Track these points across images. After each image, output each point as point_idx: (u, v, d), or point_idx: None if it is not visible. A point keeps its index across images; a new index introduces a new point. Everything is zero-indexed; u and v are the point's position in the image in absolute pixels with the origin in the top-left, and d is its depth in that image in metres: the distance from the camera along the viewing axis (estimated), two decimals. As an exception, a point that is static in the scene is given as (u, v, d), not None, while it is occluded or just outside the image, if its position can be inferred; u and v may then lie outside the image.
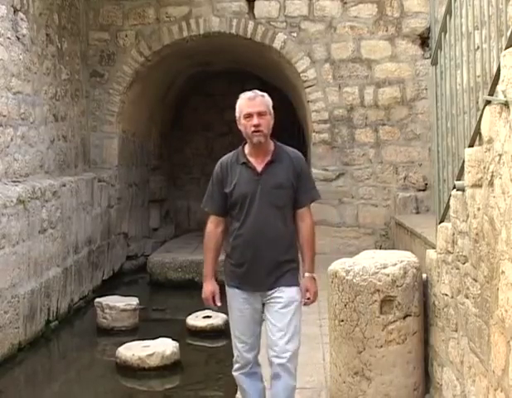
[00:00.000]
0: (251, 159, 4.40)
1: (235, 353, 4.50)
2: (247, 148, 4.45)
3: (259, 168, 4.37)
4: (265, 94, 4.44)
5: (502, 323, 3.06)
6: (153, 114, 14.32)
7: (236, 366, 4.51)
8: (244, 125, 4.37)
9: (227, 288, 4.47)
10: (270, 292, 4.34)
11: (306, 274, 4.41)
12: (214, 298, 4.48)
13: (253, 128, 4.30)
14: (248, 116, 4.33)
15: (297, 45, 11.53)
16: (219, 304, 4.50)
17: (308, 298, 4.41)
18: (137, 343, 7.44)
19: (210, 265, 4.50)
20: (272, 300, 4.34)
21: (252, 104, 4.34)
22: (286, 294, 4.31)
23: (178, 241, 14.22)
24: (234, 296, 4.43)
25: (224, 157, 4.55)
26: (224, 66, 14.50)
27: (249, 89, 4.51)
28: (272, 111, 4.42)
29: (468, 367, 3.83)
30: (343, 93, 11.49)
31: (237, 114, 4.42)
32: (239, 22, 11.60)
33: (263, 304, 4.39)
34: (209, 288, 4.48)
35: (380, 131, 11.46)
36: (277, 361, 4.27)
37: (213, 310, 4.82)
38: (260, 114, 4.32)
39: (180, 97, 15.75)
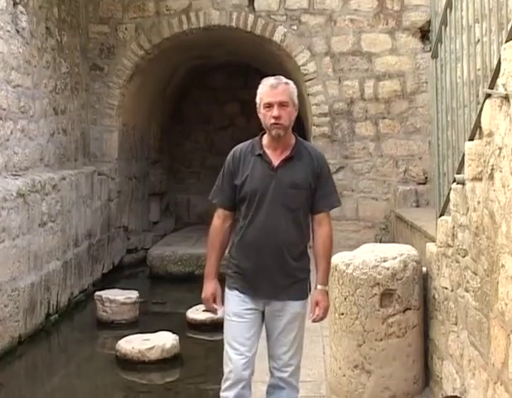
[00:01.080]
0: (268, 151, 4.00)
1: (227, 369, 3.98)
2: (265, 139, 4.05)
3: (276, 163, 3.97)
4: (290, 82, 4.04)
5: (502, 317, 3.06)
6: (153, 107, 14.31)
7: (226, 384, 3.97)
8: (264, 115, 3.97)
9: (226, 290, 4.08)
10: (275, 302, 3.97)
11: (319, 287, 4.01)
12: (214, 300, 4.09)
13: (272, 120, 3.91)
14: (269, 106, 3.93)
15: (297, 38, 11.51)
16: (219, 309, 4.11)
17: (318, 313, 3.99)
18: (137, 336, 7.45)
19: (213, 264, 4.10)
20: (276, 313, 3.98)
21: (273, 93, 3.93)
22: (292, 309, 3.97)
23: (178, 235, 14.22)
24: (234, 298, 4.02)
25: (239, 146, 4.14)
26: (225, 59, 14.48)
27: (271, 76, 4.09)
28: (296, 101, 4.04)
29: (468, 361, 3.84)
30: (343, 86, 11.47)
31: (257, 101, 4.02)
32: (239, 15, 11.57)
33: (263, 311, 4.01)
34: (210, 288, 4.09)
35: (380, 124, 11.45)
36: (279, 374, 4.04)
37: (212, 313, 4.27)
38: (282, 105, 3.92)
39: (180, 90, 15.73)
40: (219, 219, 4.11)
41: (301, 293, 4.01)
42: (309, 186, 3.96)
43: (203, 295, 4.11)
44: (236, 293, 4.02)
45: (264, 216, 3.91)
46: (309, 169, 3.98)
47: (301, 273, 4.00)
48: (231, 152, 4.11)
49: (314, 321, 4.02)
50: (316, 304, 3.99)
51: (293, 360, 4.03)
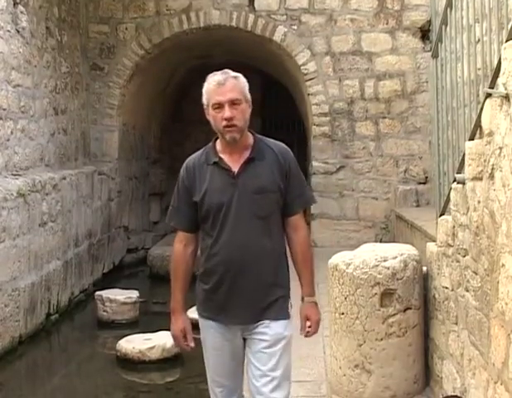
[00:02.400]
0: (224, 157, 3.48)
1: None
2: (219, 144, 3.53)
3: (235, 168, 3.45)
4: (239, 75, 3.50)
5: (502, 316, 3.06)
6: (153, 106, 14.31)
7: None
8: (214, 117, 3.44)
9: (200, 320, 3.63)
10: (253, 326, 3.48)
11: (306, 299, 3.58)
12: (185, 337, 3.61)
13: (224, 123, 3.38)
14: (218, 106, 3.40)
15: (298, 37, 11.51)
16: (192, 345, 3.61)
17: (309, 329, 3.58)
18: (137, 336, 7.45)
19: (178, 297, 3.60)
20: (255, 337, 3.48)
21: (222, 91, 3.40)
22: (272, 330, 3.45)
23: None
24: (209, 330, 3.56)
25: (191, 158, 3.62)
26: (225, 59, 14.45)
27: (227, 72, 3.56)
28: (248, 96, 3.50)
29: (468, 360, 3.84)
30: (343, 86, 11.47)
31: (204, 102, 3.48)
32: (240, 15, 11.57)
33: (244, 339, 3.54)
34: (178, 325, 3.60)
35: (381, 124, 11.45)
36: None
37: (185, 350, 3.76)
38: (233, 103, 3.39)
39: (180, 90, 15.73)
40: (180, 243, 3.60)
41: (282, 312, 3.51)
42: (278, 187, 3.47)
43: (171, 333, 3.66)
44: (209, 323, 3.55)
45: (231, 231, 3.42)
46: (275, 168, 3.48)
47: (280, 289, 3.52)
48: (183, 166, 3.62)
49: (306, 336, 3.62)
50: (307, 319, 3.57)
51: (277, 393, 3.42)
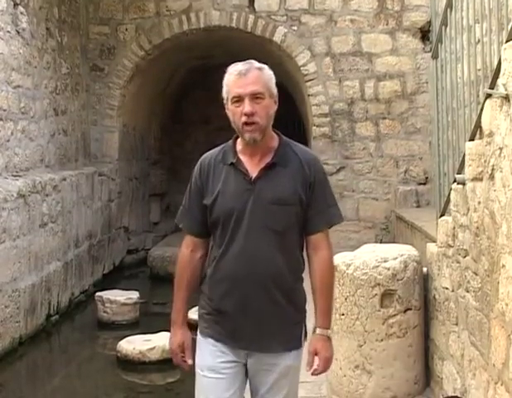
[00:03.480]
0: (243, 159, 3.11)
1: None
2: (239, 143, 3.15)
3: (253, 173, 3.07)
4: (264, 67, 3.10)
5: (502, 317, 3.06)
6: (153, 107, 14.31)
7: None
8: (233, 112, 3.05)
9: (199, 335, 3.21)
10: (258, 354, 3.10)
11: (318, 331, 3.13)
12: (183, 352, 3.21)
13: (243, 119, 2.99)
14: (238, 100, 3.02)
15: (298, 38, 11.51)
16: (190, 362, 3.21)
17: (317, 366, 3.13)
18: (137, 337, 7.45)
19: (180, 307, 3.23)
20: (262, 366, 3.11)
21: (243, 83, 3.01)
22: (283, 361, 3.09)
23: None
24: (209, 348, 3.14)
25: (208, 154, 3.25)
26: (225, 60, 14.40)
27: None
28: (274, 91, 3.10)
29: (468, 361, 3.83)
30: (343, 86, 11.47)
31: (223, 95, 3.11)
32: (240, 16, 11.57)
33: (246, 364, 3.13)
34: (177, 338, 3.22)
35: (381, 125, 11.44)
36: None
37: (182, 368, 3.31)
38: (255, 97, 3.00)
39: (180, 90, 15.74)
40: (187, 248, 3.23)
41: (295, 340, 3.14)
42: (299, 200, 3.06)
43: (169, 346, 3.28)
44: (211, 341, 3.13)
45: (242, 243, 3.04)
46: (298, 178, 3.08)
47: (295, 314, 3.12)
48: (198, 163, 3.26)
49: (313, 374, 3.17)
50: (315, 354, 3.12)
51: None
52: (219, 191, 3.09)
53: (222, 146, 3.23)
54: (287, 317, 3.09)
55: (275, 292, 3.05)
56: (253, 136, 3.03)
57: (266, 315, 3.05)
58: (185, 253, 3.23)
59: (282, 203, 3.05)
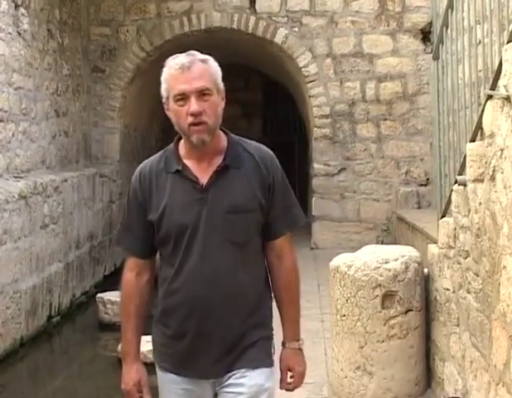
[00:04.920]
0: (190, 164, 2.69)
1: None
2: (182, 147, 2.73)
3: (204, 179, 2.66)
4: (208, 58, 2.69)
5: (503, 318, 3.05)
6: (154, 108, 14.28)
7: None
8: (176, 113, 2.64)
9: (158, 372, 2.85)
10: (226, 377, 2.71)
11: (289, 345, 2.84)
12: (140, 391, 2.80)
13: (190, 120, 2.59)
14: (182, 98, 2.61)
15: (299, 40, 11.52)
16: None
17: (291, 380, 2.86)
18: (138, 338, 7.44)
19: (131, 337, 2.80)
20: (229, 389, 2.71)
21: (186, 78, 2.60)
22: (251, 381, 2.69)
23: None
24: (169, 386, 2.79)
25: (146, 163, 2.81)
26: (226, 61, 14.48)
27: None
28: (221, 86, 2.71)
29: (470, 362, 3.83)
30: (344, 88, 11.48)
31: (163, 94, 2.73)
32: (241, 17, 11.58)
33: (216, 394, 2.75)
34: (131, 375, 2.78)
35: (382, 126, 11.45)
36: None
37: None
38: (202, 94, 2.60)
39: (181, 92, 15.74)
40: (131, 272, 2.82)
41: (263, 357, 2.75)
42: (259, 205, 2.68)
43: (123, 386, 2.80)
44: (170, 377, 2.78)
45: (198, 260, 2.65)
46: (256, 180, 2.70)
47: (261, 329, 2.76)
48: (136, 173, 2.83)
49: (287, 390, 2.89)
50: (288, 369, 2.84)
51: None
52: (165, 204, 2.68)
53: (162, 151, 2.80)
54: (251, 333, 2.72)
55: (239, 311, 2.68)
56: (201, 137, 2.61)
57: (229, 338, 2.68)
58: (129, 278, 2.82)
59: (241, 210, 2.66)
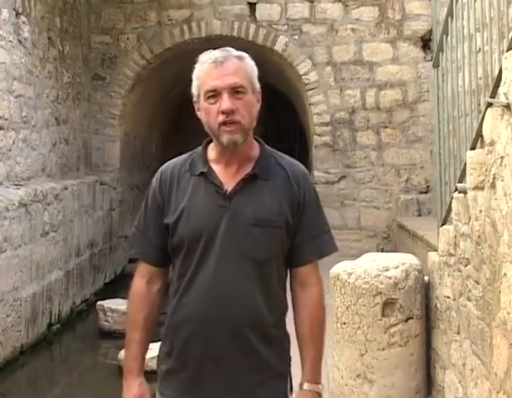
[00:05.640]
0: (216, 169, 2.50)
1: None
2: (211, 150, 2.55)
3: (229, 186, 2.46)
4: (245, 55, 2.54)
5: (504, 326, 3.05)
6: (155, 116, 14.33)
7: None
8: (207, 111, 2.45)
9: None
10: None
11: (306, 386, 2.53)
12: None
13: (221, 118, 2.40)
14: (213, 95, 2.42)
15: (299, 47, 11.54)
16: None
17: None
18: (139, 346, 7.43)
19: (136, 352, 2.59)
20: None
21: (219, 73, 2.42)
22: None
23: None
24: None
25: (170, 163, 2.61)
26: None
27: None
28: (257, 86, 2.52)
29: (470, 370, 3.83)
30: (345, 95, 11.48)
31: (194, 91, 2.52)
32: (241, 25, 11.60)
33: None
34: (133, 391, 2.55)
35: (382, 133, 11.46)
36: None
37: None
38: (235, 91, 2.42)
39: (181, 99, 15.74)
40: (142, 279, 2.62)
41: (279, 395, 2.52)
42: (285, 222, 2.46)
43: None
44: None
45: (212, 274, 2.42)
46: (284, 195, 2.48)
47: (279, 364, 2.51)
48: (157, 174, 2.61)
49: None
50: None
51: None
52: (183, 207, 2.46)
53: (189, 153, 2.60)
54: (269, 367, 2.47)
55: (253, 338, 2.42)
56: (233, 138, 2.41)
57: (241, 367, 2.43)
58: (139, 285, 2.61)
59: (266, 225, 2.43)
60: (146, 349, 2.63)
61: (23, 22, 8.86)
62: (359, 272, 4.73)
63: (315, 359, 2.56)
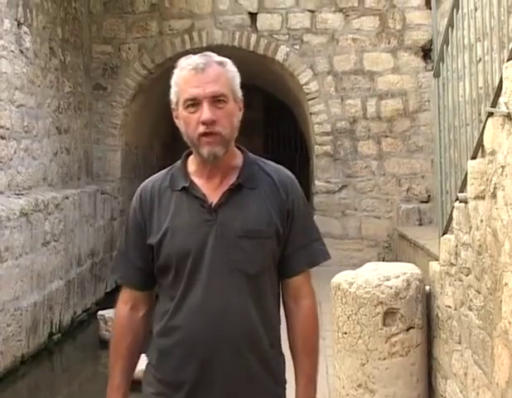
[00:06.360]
0: (199, 182, 2.38)
1: None
2: (191, 163, 2.45)
3: (213, 199, 2.34)
4: (227, 61, 2.40)
5: (505, 335, 3.05)
6: (156, 126, 14.35)
7: None
8: (186, 120, 2.33)
9: None
10: None
11: None
12: None
13: (201, 129, 2.29)
14: (193, 104, 2.29)
15: (300, 57, 11.56)
16: None
17: None
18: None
19: (120, 382, 2.47)
20: None
21: (200, 81, 2.28)
22: None
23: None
24: None
25: (149, 180, 2.51)
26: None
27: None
28: (239, 94, 2.42)
29: (472, 380, 3.82)
30: (345, 105, 11.50)
31: (172, 99, 2.39)
32: (242, 35, 11.63)
33: None
34: None
35: (383, 143, 11.47)
36: None
37: None
38: (216, 100, 2.30)
39: (182, 109, 15.80)
40: (126, 305, 2.46)
41: None
42: (275, 232, 2.34)
43: None
44: None
45: (203, 293, 2.29)
46: (273, 203, 2.36)
47: (274, 386, 2.39)
48: (137, 192, 2.52)
49: None
50: None
51: None
52: (168, 226, 2.34)
53: (169, 168, 2.49)
54: (264, 392, 2.35)
55: (249, 358, 2.30)
56: (213, 150, 2.30)
57: (238, 389, 2.30)
58: (122, 311, 2.45)
59: (255, 236, 2.31)
60: (129, 379, 2.49)
61: (25, 32, 8.89)
62: (360, 281, 4.72)
63: (309, 376, 2.44)
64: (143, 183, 2.50)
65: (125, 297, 2.47)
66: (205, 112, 2.26)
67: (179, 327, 2.30)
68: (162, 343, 2.35)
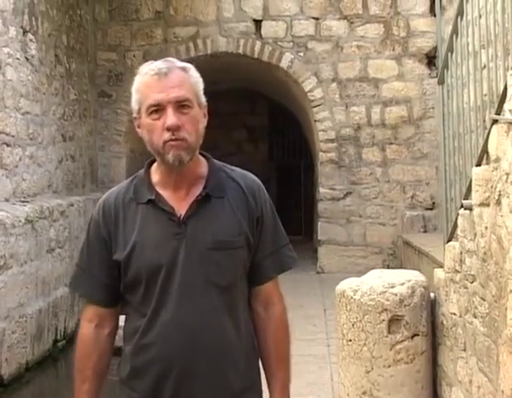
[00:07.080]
0: (165, 193, 2.30)
1: None
2: (155, 173, 2.35)
3: (181, 210, 2.27)
4: (190, 67, 2.31)
5: (511, 343, 3.04)
6: (161, 133, 14.38)
7: None
8: (149, 128, 2.23)
9: None
10: None
11: None
12: None
13: (166, 136, 2.19)
14: (157, 110, 2.22)
15: (304, 64, 11.58)
16: None
17: None
18: (144, 363, 7.42)
19: None
20: None
21: (163, 86, 2.22)
22: None
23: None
24: None
25: (112, 192, 2.43)
26: (232, 85, 14.57)
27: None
28: (203, 100, 2.31)
29: (477, 387, 3.81)
30: (350, 112, 11.51)
31: (134, 106, 2.31)
32: (246, 42, 11.66)
33: None
34: None
35: (387, 150, 11.47)
36: None
37: None
38: (181, 105, 2.21)
39: (187, 116, 15.82)
40: (89, 324, 2.39)
41: None
42: (246, 241, 2.30)
43: None
44: None
45: (176, 308, 2.23)
46: (242, 212, 2.31)
47: (253, 394, 2.36)
48: (99, 205, 2.39)
49: None
50: None
51: None
52: (135, 241, 2.25)
53: (131, 178, 2.41)
54: None
55: (226, 371, 2.26)
56: (178, 154, 2.20)
57: None
58: (87, 330, 2.38)
59: (226, 247, 2.26)
60: None
61: (30, 40, 8.92)
62: (364, 289, 4.72)
63: (282, 383, 2.38)
64: (105, 195, 2.41)
65: (89, 314, 2.38)
66: (170, 117, 2.18)
67: (153, 343, 2.23)
68: (136, 361, 2.28)
